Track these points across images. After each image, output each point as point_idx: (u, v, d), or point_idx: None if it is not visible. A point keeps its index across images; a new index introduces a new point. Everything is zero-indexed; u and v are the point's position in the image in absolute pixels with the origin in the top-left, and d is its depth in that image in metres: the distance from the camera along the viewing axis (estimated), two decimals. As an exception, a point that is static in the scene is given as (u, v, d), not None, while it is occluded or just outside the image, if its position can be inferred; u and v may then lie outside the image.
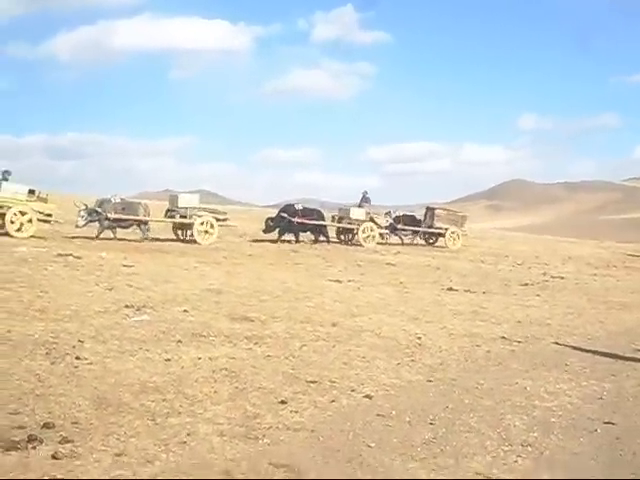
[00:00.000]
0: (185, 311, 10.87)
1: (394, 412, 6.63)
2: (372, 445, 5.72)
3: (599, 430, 6.46)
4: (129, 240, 22.75)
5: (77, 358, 7.65)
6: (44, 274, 13.72)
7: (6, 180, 22.57)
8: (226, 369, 7.68)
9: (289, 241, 26.32)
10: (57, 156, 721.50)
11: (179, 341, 8.87)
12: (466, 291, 16.09)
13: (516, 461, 5.58)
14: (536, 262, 26.35)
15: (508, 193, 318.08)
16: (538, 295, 16.32)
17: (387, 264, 21.62)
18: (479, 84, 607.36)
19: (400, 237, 30.12)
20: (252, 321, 10.50)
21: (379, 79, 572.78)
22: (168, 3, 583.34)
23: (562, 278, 20.61)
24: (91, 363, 7.54)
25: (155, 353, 8.17)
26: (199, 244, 23.00)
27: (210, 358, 8.11)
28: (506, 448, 5.84)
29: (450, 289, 16.26)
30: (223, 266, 17.92)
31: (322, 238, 27.32)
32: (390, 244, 29.03)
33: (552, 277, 20.71)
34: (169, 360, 7.91)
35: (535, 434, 6.23)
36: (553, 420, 6.71)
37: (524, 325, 11.91)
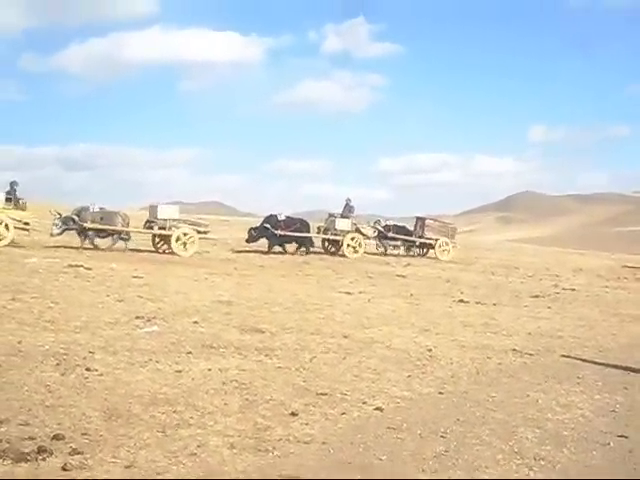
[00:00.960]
0: (195, 322, 10.86)
1: (405, 425, 6.59)
2: (383, 458, 5.68)
3: (612, 443, 6.41)
4: (140, 251, 22.88)
5: (87, 369, 7.65)
6: (55, 285, 13.76)
7: (14, 191, 22.77)
8: (236, 381, 7.66)
9: (282, 252, 26.50)
10: (70, 167, 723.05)
11: (189, 352, 8.86)
12: (477, 303, 16.04)
13: (528, 475, 5.54)
14: (547, 274, 26.28)
15: (519, 205, 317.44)
16: (549, 307, 16.25)
17: (397, 276, 21.61)
18: (489, 96, 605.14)
19: (384, 246, 29.93)
20: (262, 332, 10.48)
21: (390, 91, 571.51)
22: (179, 15, 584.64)
23: (573, 290, 20.54)
24: (101, 374, 7.54)
25: (165, 364, 8.16)
26: (179, 256, 22.79)
27: (220, 370, 8.10)
28: (518, 461, 5.79)
29: (461, 301, 16.21)
30: (233, 277, 17.94)
31: (302, 249, 27.14)
32: (400, 256, 28.99)
33: (563, 289, 20.64)
34: (179, 372, 7.90)
35: (547, 447, 6.19)
36: (565, 433, 6.66)
37: (535, 337, 11.85)
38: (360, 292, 16.55)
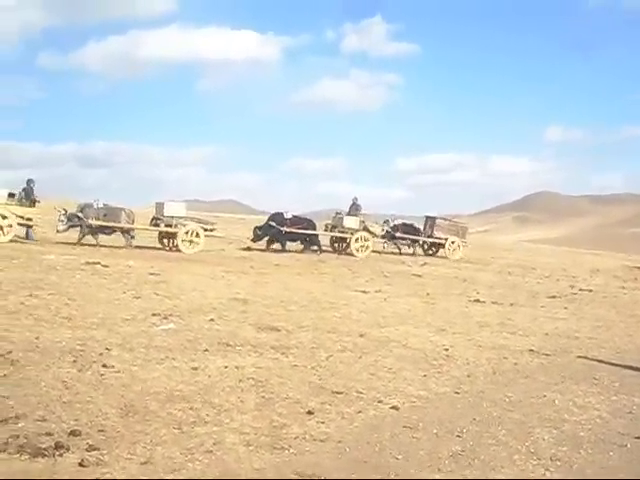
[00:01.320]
0: (212, 320, 10.88)
1: (421, 424, 6.58)
2: (399, 457, 5.67)
3: (629, 445, 6.37)
4: (156, 249, 22.96)
5: (104, 366, 7.67)
6: (72, 282, 13.81)
7: (31, 189, 22.89)
8: (252, 378, 7.67)
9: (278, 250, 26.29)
10: (87, 165, 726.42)
11: (206, 350, 8.87)
12: (493, 303, 15.98)
13: (544, 475, 5.52)
14: (563, 274, 26.17)
15: (535, 205, 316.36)
16: (566, 308, 16.16)
17: (413, 275, 21.55)
18: (506, 96, 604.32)
19: (398, 246, 29.81)
20: (278, 331, 10.49)
21: (406, 90, 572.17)
22: (197, 13, 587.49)
23: (590, 291, 20.41)
24: (118, 371, 7.56)
25: (182, 362, 8.17)
26: (184, 253, 22.73)
27: (237, 367, 8.11)
28: (534, 462, 5.77)
29: (477, 301, 16.16)
30: (250, 275, 17.95)
31: (314, 247, 27.01)
32: (417, 255, 28.92)
33: (580, 290, 20.51)
34: (196, 369, 7.91)
35: (564, 448, 6.16)
36: (582, 434, 6.63)
37: (552, 338, 11.80)
38: (376, 291, 16.52)
